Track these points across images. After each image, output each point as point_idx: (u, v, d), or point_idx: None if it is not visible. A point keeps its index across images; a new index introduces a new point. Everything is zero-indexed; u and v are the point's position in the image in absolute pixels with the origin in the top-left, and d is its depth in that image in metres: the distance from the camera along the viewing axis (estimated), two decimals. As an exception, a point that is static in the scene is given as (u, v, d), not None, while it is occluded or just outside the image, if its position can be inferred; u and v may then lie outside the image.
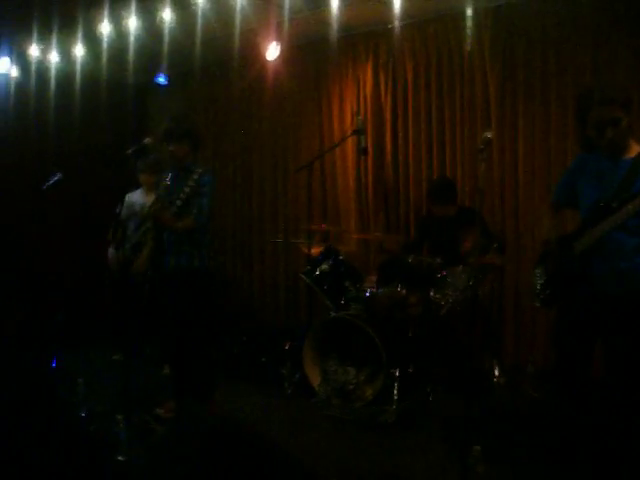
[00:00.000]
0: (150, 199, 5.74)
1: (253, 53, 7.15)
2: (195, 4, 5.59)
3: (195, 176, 4.42)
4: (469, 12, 6.00)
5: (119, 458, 3.90)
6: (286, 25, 6.33)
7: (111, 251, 6.20)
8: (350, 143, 6.79)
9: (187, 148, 4.62)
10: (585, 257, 3.34)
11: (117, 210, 5.56)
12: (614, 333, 3.25)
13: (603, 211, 3.25)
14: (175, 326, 4.63)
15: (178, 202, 4.36)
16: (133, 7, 5.79)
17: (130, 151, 4.48)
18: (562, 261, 3.47)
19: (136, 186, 6.22)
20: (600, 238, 3.26)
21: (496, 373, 5.34)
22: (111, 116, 8.12)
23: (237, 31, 6.29)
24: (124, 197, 5.66)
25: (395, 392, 4.74)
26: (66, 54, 6.90)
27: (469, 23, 6.10)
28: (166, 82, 7.97)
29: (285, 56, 7.11)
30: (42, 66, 7.15)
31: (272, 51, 6.90)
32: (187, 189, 4.37)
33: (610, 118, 3.19)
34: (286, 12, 5.94)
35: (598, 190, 3.33)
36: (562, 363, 3.56)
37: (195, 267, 4.59)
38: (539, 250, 3.75)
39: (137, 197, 6.16)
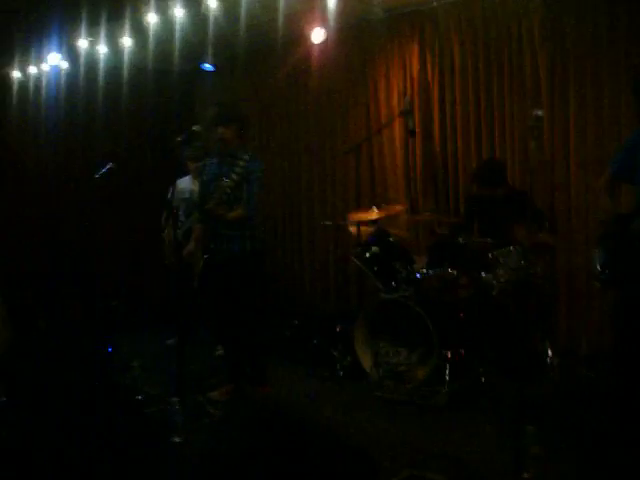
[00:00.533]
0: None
1: (298, 37, 7.17)
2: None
3: (242, 162, 4.46)
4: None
5: (175, 440, 3.97)
6: (330, 7, 6.28)
7: (165, 235, 6.33)
8: (398, 125, 6.75)
9: (234, 132, 4.65)
10: None
11: (168, 196, 5.66)
12: None
13: None
14: (229, 309, 4.70)
15: (227, 189, 4.40)
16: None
17: (179, 139, 4.55)
18: (621, 241, 3.41)
19: (185, 173, 6.30)
20: None
21: (549, 354, 5.28)
22: (159, 105, 8.27)
23: (280, 15, 6.28)
24: (174, 183, 5.75)
25: (447, 374, 4.74)
26: (114, 45, 6.99)
27: (516, 2, 5.99)
28: (213, 69, 8.03)
29: (330, 38, 7.11)
30: (91, 58, 7.26)
31: (317, 34, 6.89)
32: (235, 176, 4.42)
33: None
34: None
35: None
36: (620, 344, 3.53)
37: (247, 251, 4.66)
38: (598, 230, 3.68)
39: (186, 184, 6.26)
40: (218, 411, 4.61)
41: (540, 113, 3.64)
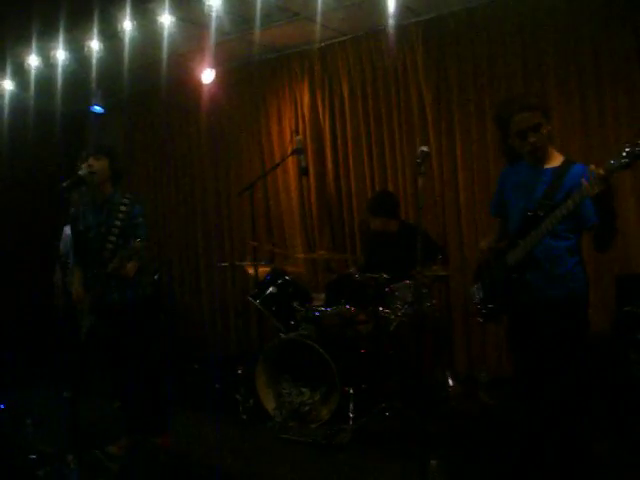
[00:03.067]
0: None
1: (190, 77, 7.13)
2: (122, 32, 5.52)
3: (123, 207, 4.35)
4: (399, 27, 6.07)
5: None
6: (218, 47, 6.31)
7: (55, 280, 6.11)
8: (291, 163, 6.79)
9: (104, 165, 4.48)
10: (519, 267, 3.37)
11: (57, 243, 5.48)
12: (552, 337, 3.29)
13: (531, 220, 3.30)
14: (124, 360, 4.54)
15: (112, 238, 4.28)
16: (60, 39, 5.68)
17: (65, 184, 4.38)
18: (498, 274, 3.51)
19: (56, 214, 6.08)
20: (532, 247, 3.30)
21: (450, 383, 5.37)
22: (45, 149, 7.98)
23: (168, 56, 6.25)
24: (62, 229, 5.58)
25: (351, 411, 4.72)
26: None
27: (401, 37, 6.18)
28: (102, 111, 7.85)
29: (221, 79, 7.13)
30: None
31: (207, 75, 6.88)
32: (118, 222, 4.30)
33: (532, 124, 3.28)
34: (215, 34, 5.90)
35: (524, 200, 3.40)
36: (518, 373, 3.61)
37: (140, 297, 4.52)
38: (473, 266, 3.81)
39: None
40: (116, 466, 4.42)
41: (426, 149, 3.70)
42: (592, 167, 2.95)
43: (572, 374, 3.26)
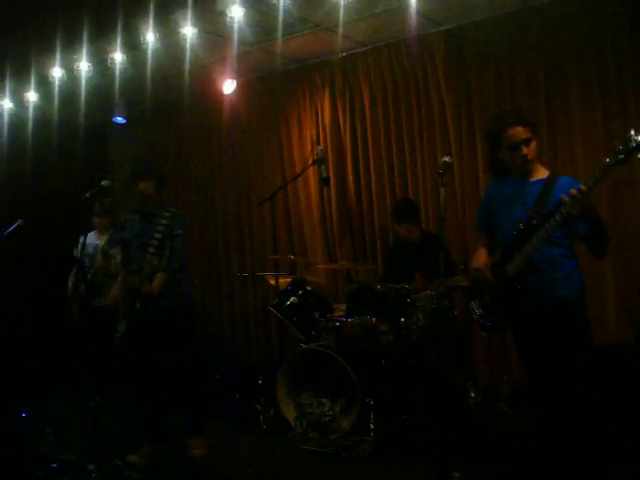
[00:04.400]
0: (103, 240, 5.74)
1: (211, 88, 7.17)
2: (145, 43, 5.57)
3: (164, 221, 4.43)
4: (420, 37, 6.10)
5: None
6: (240, 58, 6.35)
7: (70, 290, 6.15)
8: (312, 173, 6.79)
9: (154, 187, 4.59)
10: (521, 276, 3.43)
11: (75, 253, 5.54)
12: (559, 338, 3.35)
13: (525, 230, 3.39)
14: (157, 369, 4.57)
15: (151, 249, 4.34)
16: (84, 51, 5.75)
17: (88, 194, 4.43)
18: (499, 287, 3.54)
19: (90, 228, 6.15)
20: (531, 256, 3.37)
21: (472, 395, 5.33)
22: (68, 159, 8.06)
23: (190, 68, 6.32)
24: (79, 239, 5.64)
25: (371, 422, 4.70)
26: (20, 100, 6.84)
27: (422, 47, 6.19)
28: (124, 122, 7.91)
29: (242, 89, 7.17)
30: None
31: (228, 85, 6.92)
32: (158, 234, 4.38)
33: (524, 138, 3.41)
34: (237, 46, 5.95)
35: (515, 212, 3.50)
36: (531, 380, 3.64)
37: (178, 307, 4.56)
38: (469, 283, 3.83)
39: (91, 239, 6.12)
40: (137, 475, 4.43)
41: (448, 159, 3.77)
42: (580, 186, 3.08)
43: (580, 374, 3.30)
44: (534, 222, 3.35)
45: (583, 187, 3.06)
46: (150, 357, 4.56)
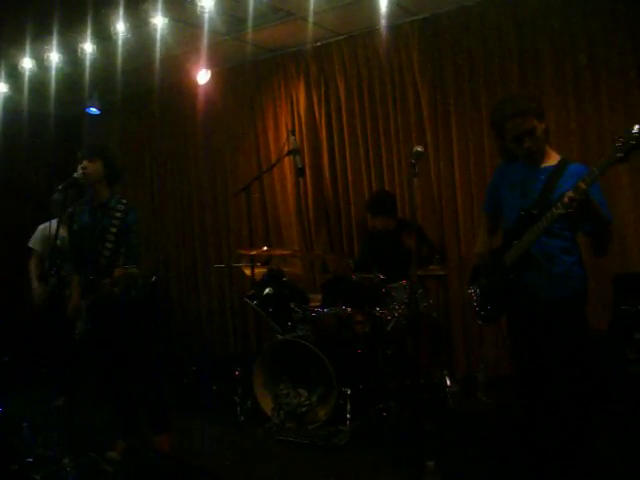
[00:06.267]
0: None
1: (184, 79, 7.12)
2: (115, 34, 5.51)
3: (118, 214, 4.35)
4: (394, 26, 6.09)
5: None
6: (213, 48, 6.30)
7: (35, 285, 6.04)
8: (288, 163, 6.76)
9: (99, 168, 4.47)
10: (517, 267, 3.38)
11: (29, 243, 5.52)
12: (552, 337, 3.29)
13: (526, 220, 3.31)
14: (120, 361, 4.52)
15: (108, 244, 4.29)
16: (54, 41, 5.67)
17: (60, 186, 4.38)
18: (496, 276, 3.50)
19: (49, 218, 6.04)
20: (528, 247, 3.31)
21: (448, 383, 5.35)
22: (41, 151, 7.96)
23: (163, 58, 6.26)
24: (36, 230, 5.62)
25: (348, 411, 4.71)
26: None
27: (396, 37, 6.18)
28: (98, 112, 7.83)
29: (216, 79, 7.12)
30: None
31: (202, 75, 6.87)
32: (114, 229, 4.30)
33: (526, 129, 3.27)
34: (210, 36, 5.90)
35: (519, 199, 3.41)
36: (519, 373, 3.60)
37: (135, 298, 4.50)
38: (470, 268, 3.81)
39: (53, 230, 5.98)
40: (112, 468, 4.40)
41: (420, 149, 3.69)
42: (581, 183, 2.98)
43: (573, 374, 3.25)
44: (534, 212, 3.27)
45: (582, 185, 2.96)
46: (114, 350, 4.50)
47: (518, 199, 3.41)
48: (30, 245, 5.95)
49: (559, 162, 3.37)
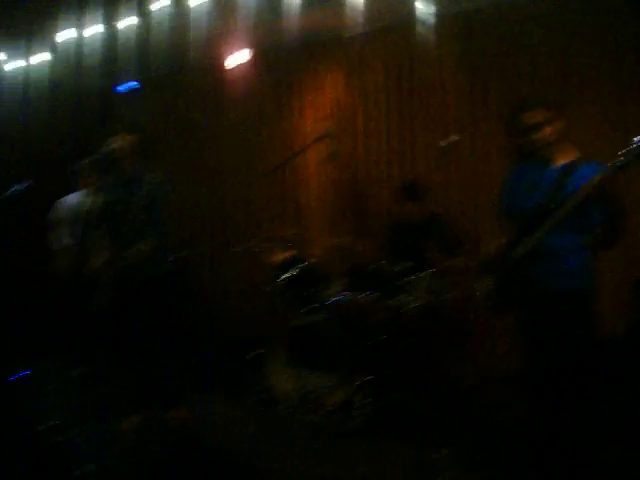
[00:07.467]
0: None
1: (223, 58, 7.13)
2: (156, 10, 5.54)
3: (146, 188, 4.39)
4: (429, 18, 6.06)
5: (83, 470, 3.82)
6: (253, 30, 6.30)
7: (58, 255, 6.10)
8: (317, 149, 6.74)
9: (130, 144, 4.51)
10: (526, 261, 3.41)
11: (50, 215, 5.55)
12: (559, 331, 3.32)
13: (536, 217, 3.36)
14: (140, 334, 4.57)
15: (134, 216, 4.33)
16: (93, 15, 5.73)
17: (88, 160, 4.43)
18: (505, 268, 3.54)
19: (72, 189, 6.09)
20: (538, 243, 3.35)
21: (464, 376, 5.32)
22: (76, 124, 8.04)
23: (203, 37, 6.24)
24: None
25: (362, 398, 4.70)
26: (29, 62, 6.85)
27: (435, 29, 6.13)
28: (137, 86, 7.88)
29: (255, 61, 7.14)
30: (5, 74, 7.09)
31: (242, 55, 6.89)
32: (141, 201, 4.34)
33: (532, 123, 3.37)
34: (252, 17, 5.89)
35: (530, 197, 3.45)
36: (528, 367, 3.60)
37: (158, 273, 4.55)
38: (481, 260, 3.81)
39: (76, 199, 6.03)
40: (129, 440, 4.46)
41: (454, 137, 3.75)
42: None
43: (577, 369, 3.28)
44: (545, 209, 3.32)
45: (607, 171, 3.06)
46: (133, 325, 4.55)
47: (528, 197, 3.46)
48: (51, 217, 5.96)
49: (572, 160, 3.41)
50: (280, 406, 4.99)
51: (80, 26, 6.03)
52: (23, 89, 7.45)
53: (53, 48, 6.50)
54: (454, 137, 3.85)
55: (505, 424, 4.53)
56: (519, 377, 3.77)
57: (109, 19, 5.91)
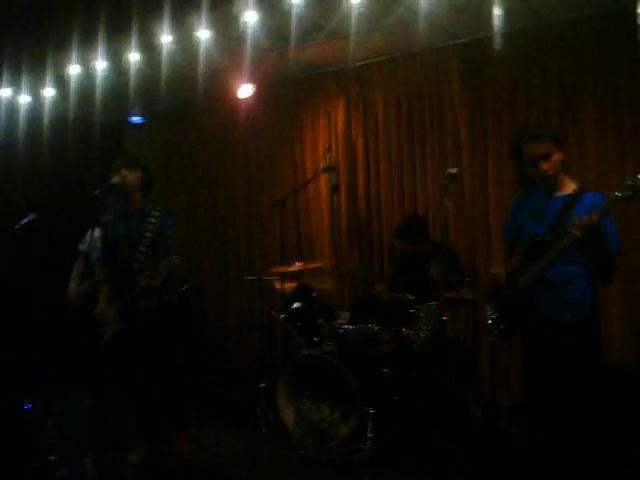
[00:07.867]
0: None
1: (225, 92, 7.21)
2: (160, 45, 5.62)
3: (154, 219, 4.42)
4: (436, 49, 6.15)
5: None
6: (255, 64, 6.37)
7: (71, 287, 6.13)
8: (323, 180, 6.81)
9: (137, 178, 4.57)
10: (530, 290, 3.47)
11: (80, 247, 5.58)
12: (564, 360, 3.34)
13: (541, 245, 3.42)
14: (146, 364, 4.57)
15: (142, 249, 4.35)
16: (100, 49, 5.81)
17: (98, 191, 4.46)
18: (509, 296, 3.59)
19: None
20: (542, 271, 3.41)
21: (472, 408, 5.31)
22: (84, 157, 8.10)
23: (206, 70, 6.32)
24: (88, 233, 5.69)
25: (370, 430, 4.69)
26: (37, 96, 6.92)
27: (437, 59, 6.21)
28: (141, 121, 7.97)
29: (258, 94, 7.19)
30: (12, 107, 7.16)
31: (245, 90, 6.95)
32: (149, 234, 4.37)
33: (541, 153, 3.41)
34: (253, 51, 5.95)
35: (536, 225, 3.52)
36: (534, 394, 3.65)
37: (165, 303, 4.57)
38: (487, 287, 3.85)
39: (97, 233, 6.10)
40: (132, 471, 4.46)
41: (454, 171, 3.82)
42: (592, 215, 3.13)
43: (583, 397, 3.30)
44: (549, 238, 3.38)
45: (594, 217, 3.12)
46: (141, 353, 4.56)
47: (535, 225, 3.52)
48: (79, 248, 6.02)
49: (575, 191, 3.48)
50: (287, 438, 4.97)
51: (86, 61, 6.09)
52: (29, 123, 7.52)
53: (60, 82, 6.56)
54: (452, 170, 3.87)
55: (515, 454, 4.52)
56: (528, 407, 3.78)
57: (115, 54, 5.97)
